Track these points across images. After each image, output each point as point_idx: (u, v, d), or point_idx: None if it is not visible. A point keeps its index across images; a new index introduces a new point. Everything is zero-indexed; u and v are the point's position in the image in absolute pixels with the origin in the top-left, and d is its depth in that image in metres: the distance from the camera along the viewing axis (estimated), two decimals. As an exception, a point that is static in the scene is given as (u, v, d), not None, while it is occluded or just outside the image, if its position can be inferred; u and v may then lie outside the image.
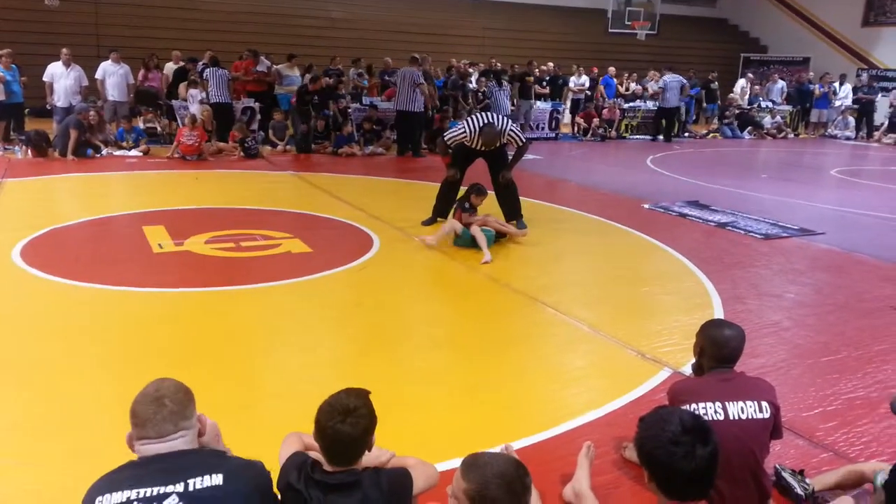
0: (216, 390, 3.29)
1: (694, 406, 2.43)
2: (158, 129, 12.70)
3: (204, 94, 12.35)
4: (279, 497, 2.03)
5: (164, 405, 1.87)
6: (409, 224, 7.08)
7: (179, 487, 1.77)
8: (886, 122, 17.94)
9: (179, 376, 2.01)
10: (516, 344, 4.32)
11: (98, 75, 12.17)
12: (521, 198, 7.28)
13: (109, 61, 12.28)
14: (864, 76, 19.64)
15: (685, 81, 16.54)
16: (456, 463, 2.76)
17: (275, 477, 2.04)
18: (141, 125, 12.38)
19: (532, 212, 7.51)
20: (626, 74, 18.23)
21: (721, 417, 2.44)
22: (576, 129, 16.69)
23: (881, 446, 3.11)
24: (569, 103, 17.06)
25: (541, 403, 3.53)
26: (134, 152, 11.22)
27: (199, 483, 1.78)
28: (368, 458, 2.09)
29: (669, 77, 16.15)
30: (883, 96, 19.22)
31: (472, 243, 6.21)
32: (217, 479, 1.81)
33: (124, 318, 4.44)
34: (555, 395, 3.62)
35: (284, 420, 3.11)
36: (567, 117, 17.04)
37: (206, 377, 3.45)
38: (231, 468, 1.86)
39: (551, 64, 16.56)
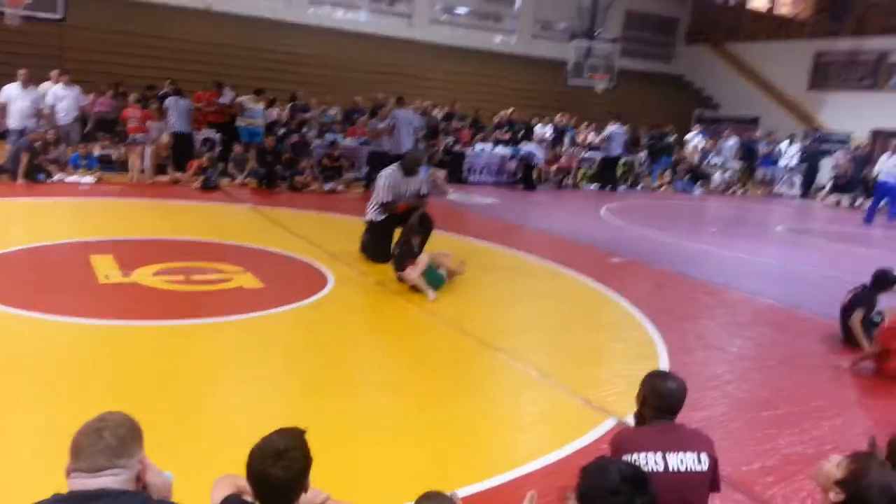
0: (150, 423, 3.19)
1: (635, 456, 2.46)
2: (114, 156, 12.46)
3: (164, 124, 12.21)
4: None
5: (102, 438, 1.81)
6: (366, 263, 7.08)
7: None
8: (830, 184, 18.68)
9: (115, 408, 1.96)
10: (466, 388, 4.32)
11: (49, 100, 11.87)
12: (478, 242, 7.35)
13: (60, 85, 12.06)
14: (808, 140, 20.54)
15: (626, 134, 17.33)
16: (398, 510, 2.78)
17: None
18: (97, 151, 12.14)
19: (488, 257, 7.60)
20: (585, 125, 18.70)
21: (661, 468, 2.48)
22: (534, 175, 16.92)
23: (816, 503, 3.18)
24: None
25: (488, 450, 3.53)
26: (87, 178, 10.99)
27: None
28: (303, 500, 2.06)
29: (615, 127, 16.70)
30: (826, 158, 20.07)
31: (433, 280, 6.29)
32: None
33: (63, 349, 4.31)
34: (502, 441, 3.63)
35: (218, 454, 3.05)
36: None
37: (142, 410, 3.34)
38: None
39: (511, 109, 16.92)
